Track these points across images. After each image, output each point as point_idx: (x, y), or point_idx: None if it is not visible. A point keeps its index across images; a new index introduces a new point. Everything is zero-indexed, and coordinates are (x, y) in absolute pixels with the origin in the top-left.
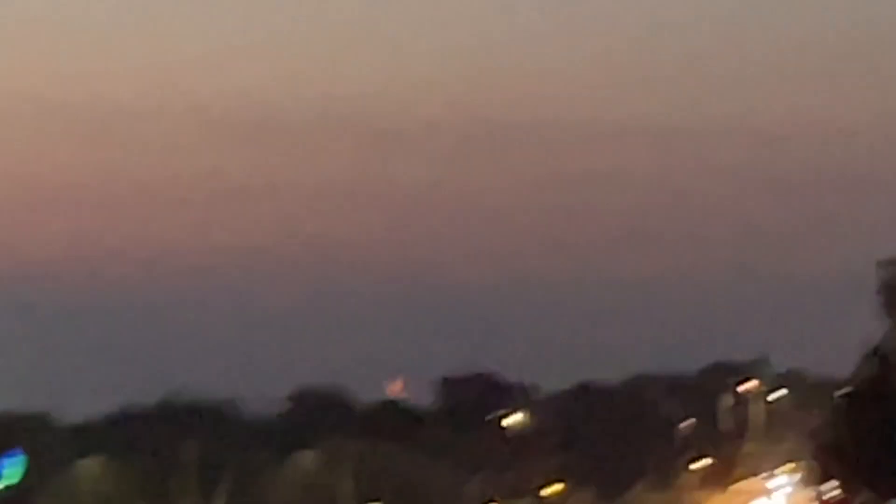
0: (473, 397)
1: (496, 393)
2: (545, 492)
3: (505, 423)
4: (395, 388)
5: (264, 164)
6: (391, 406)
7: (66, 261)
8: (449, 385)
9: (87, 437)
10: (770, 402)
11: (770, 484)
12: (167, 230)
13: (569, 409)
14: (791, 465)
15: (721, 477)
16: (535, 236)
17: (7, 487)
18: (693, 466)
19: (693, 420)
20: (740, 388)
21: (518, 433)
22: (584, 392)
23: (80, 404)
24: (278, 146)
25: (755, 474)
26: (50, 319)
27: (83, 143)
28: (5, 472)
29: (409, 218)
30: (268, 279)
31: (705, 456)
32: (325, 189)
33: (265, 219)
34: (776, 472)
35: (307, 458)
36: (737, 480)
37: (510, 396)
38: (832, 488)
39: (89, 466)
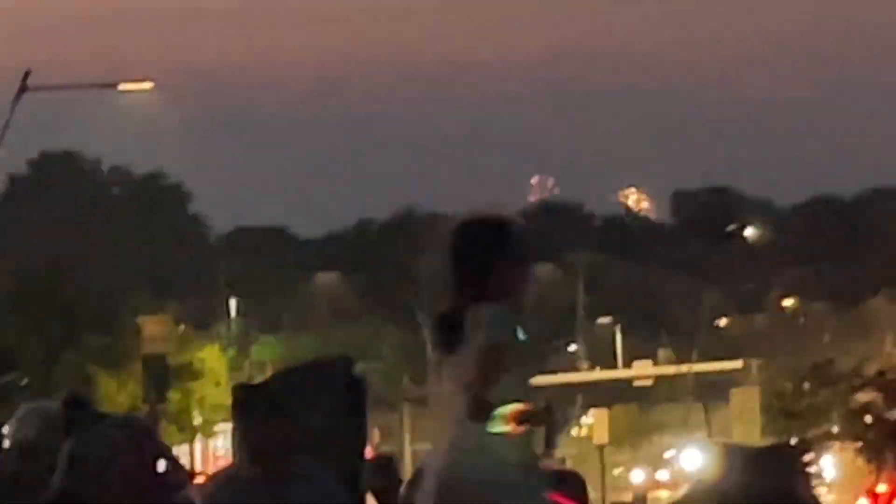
0: (709, 211)
1: (731, 206)
2: (782, 304)
3: (741, 236)
4: (631, 201)
5: None
6: (627, 219)
7: (308, 73)
8: (684, 198)
9: (324, 251)
10: None
11: None
12: (410, 43)
13: (805, 222)
14: None
15: None
16: (760, 51)
17: None
18: None
19: None
20: None
21: (754, 246)
22: (821, 205)
23: (317, 218)
24: None
25: None
26: (285, 134)
27: None
28: None
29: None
30: (472, 95)
31: None
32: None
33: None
34: None
35: (543, 271)
36: None
37: (746, 210)
38: None
39: (327, 280)
